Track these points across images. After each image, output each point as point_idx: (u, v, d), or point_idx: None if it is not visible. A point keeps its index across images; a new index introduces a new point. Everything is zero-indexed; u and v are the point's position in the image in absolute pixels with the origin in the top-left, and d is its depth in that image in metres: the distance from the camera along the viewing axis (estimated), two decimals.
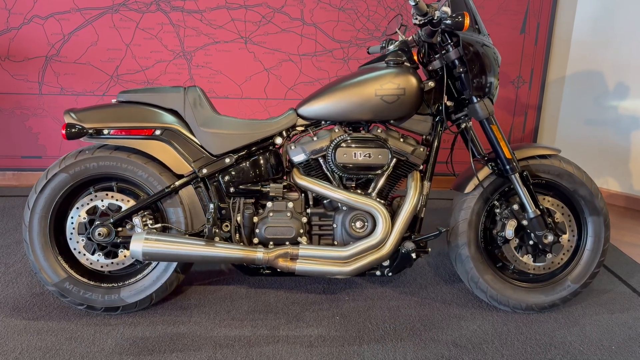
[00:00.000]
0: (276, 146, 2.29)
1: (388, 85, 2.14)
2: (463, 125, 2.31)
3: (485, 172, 2.30)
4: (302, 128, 2.29)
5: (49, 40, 3.76)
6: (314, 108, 2.20)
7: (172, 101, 2.21)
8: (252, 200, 2.26)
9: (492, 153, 2.36)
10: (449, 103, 2.24)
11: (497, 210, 2.34)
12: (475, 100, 2.18)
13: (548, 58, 4.00)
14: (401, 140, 2.23)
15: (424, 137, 2.30)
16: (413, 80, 2.15)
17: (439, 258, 2.95)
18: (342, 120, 2.21)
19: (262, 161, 2.24)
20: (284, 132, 2.27)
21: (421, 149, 2.23)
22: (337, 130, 2.21)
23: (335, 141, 2.15)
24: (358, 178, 2.26)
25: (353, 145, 2.15)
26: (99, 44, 3.79)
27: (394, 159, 2.21)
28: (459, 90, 2.24)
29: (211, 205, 2.14)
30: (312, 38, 3.87)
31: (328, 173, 2.23)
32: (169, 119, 2.20)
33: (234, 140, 2.19)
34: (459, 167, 2.47)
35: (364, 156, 2.15)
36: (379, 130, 2.22)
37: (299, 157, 2.21)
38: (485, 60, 2.14)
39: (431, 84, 2.21)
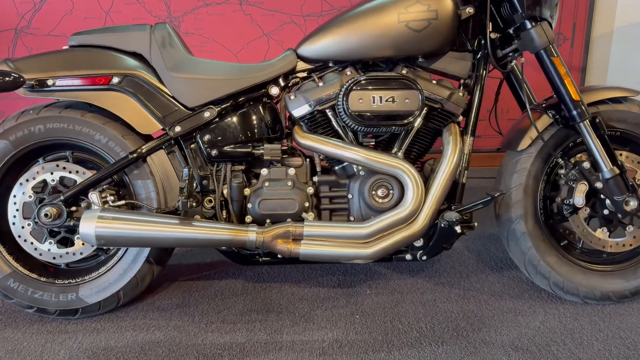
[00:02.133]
0: (272, 99, 1.78)
1: (415, 6, 1.62)
2: (513, 63, 1.78)
3: (544, 121, 1.77)
4: (305, 74, 1.78)
5: (18, 10, 3.30)
6: (318, 46, 1.69)
7: (135, 42, 1.72)
8: (242, 167, 1.75)
9: (550, 99, 1.82)
10: (493, 35, 1.71)
11: (561, 171, 1.80)
12: (529, 25, 1.65)
13: (592, 10, 3.45)
14: (434, 82, 1.71)
15: (462, 81, 1.78)
16: (447, 0, 1.63)
17: (480, 241, 2.42)
18: (356, 59, 1.70)
19: (253, 116, 1.73)
20: (280, 80, 1.76)
21: (460, 94, 1.71)
22: (349, 72, 1.70)
23: (347, 84, 1.63)
24: (378, 134, 1.74)
25: (370, 87, 1.63)
26: (75, 12, 3.34)
27: (425, 107, 1.68)
28: (505, 19, 1.72)
29: (185, 171, 1.63)
30: None
31: (339, 129, 1.71)
32: (131, 63, 1.71)
33: (214, 88, 1.69)
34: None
35: (386, 100, 1.63)
36: (403, 71, 1.70)
37: (300, 110, 1.70)
38: None
39: (469, 10, 1.69)
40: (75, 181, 1.73)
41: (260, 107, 1.74)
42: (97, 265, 1.82)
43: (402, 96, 1.62)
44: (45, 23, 3.32)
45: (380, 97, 1.62)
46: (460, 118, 1.76)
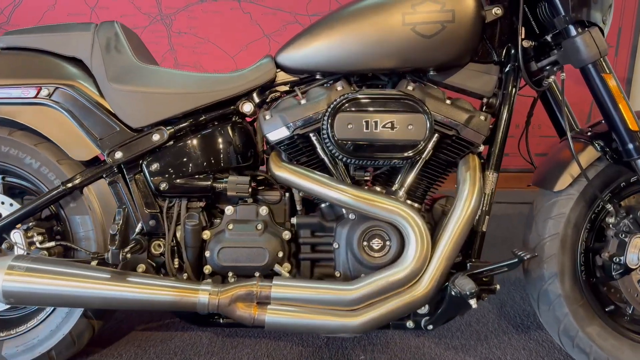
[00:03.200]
0: (245, 117, 1.43)
1: (425, 4, 1.25)
2: (551, 79, 1.39)
3: (590, 154, 1.38)
4: (286, 87, 1.42)
5: None
6: (301, 53, 1.33)
7: (75, 45, 1.39)
8: (202, 204, 1.39)
9: (598, 125, 1.43)
10: (526, 43, 1.33)
11: (610, 220, 1.40)
12: (574, 31, 1.27)
13: None
14: (448, 102, 1.33)
15: (486, 100, 1.40)
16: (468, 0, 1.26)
17: (504, 288, 2.02)
18: (349, 71, 1.34)
19: (217, 139, 1.38)
20: (254, 95, 1.41)
21: (482, 117, 1.33)
22: (340, 88, 1.33)
23: (334, 103, 1.27)
24: (376, 166, 1.37)
25: (363, 109, 1.26)
26: (57, 8, 3.04)
27: (436, 133, 1.31)
28: (543, 22, 1.34)
29: (118, 212, 1.27)
30: None
31: (326, 158, 1.35)
32: (68, 71, 1.37)
33: (166, 105, 1.34)
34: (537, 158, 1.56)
35: (383, 127, 1.25)
36: (409, 87, 1.33)
37: (277, 133, 1.34)
38: None
39: (497, 10, 1.32)
40: (0, 215, 1.41)
41: (228, 128, 1.39)
42: (22, 317, 1.48)
43: (404, 121, 1.25)
44: (26, 19, 3.04)
45: (376, 122, 1.25)
46: (482, 147, 1.38)
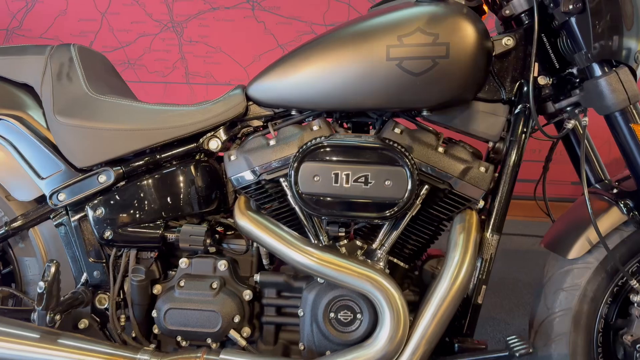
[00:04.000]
0: (213, 155, 1.26)
1: (414, 36, 1.05)
2: (570, 125, 1.17)
3: (613, 217, 1.15)
4: (259, 122, 1.25)
5: (9, 9, 2.96)
6: (275, 86, 1.16)
7: (27, 70, 1.25)
8: (153, 255, 1.23)
9: (627, 180, 1.19)
10: (543, 80, 1.12)
11: (635, 299, 1.16)
12: (598, 71, 1.04)
13: None
14: (440, 150, 1.12)
15: (492, 145, 1.19)
16: (468, 28, 1.06)
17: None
18: (326, 109, 1.15)
19: (175, 180, 1.21)
20: (221, 131, 1.23)
21: (482, 169, 1.12)
22: (316, 128, 1.14)
23: (301, 150, 1.08)
24: (352, 221, 1.18)
25: (334, 159, 1.06)
26: (69, 13, 2.97)
27: (425, 185, 1.10)
28: (564, 55, 1.12)
29: (47, 268, 1.11)
30: (344, 1, 2.81)
31: (297, 208, 1.16)
32: (18, 100, 1.24)
33: (115, 142, 1.18)
34: (555, 208, 1.33)
35: (355, 181, 1.06)
36: (396, 130, 1.13)
37: (242, 177, 1.17)
38: None
39: (508, 41, 1.12)
40: None
41: (189, 168, 1.22)
42: None
43: (381, 175, 1.05)
44: (38, 24, 2.97)
45: (347, 175, 1.05)
46: (481, 203, 1.16)
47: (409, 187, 1.04)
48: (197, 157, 1.25)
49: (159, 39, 2.94)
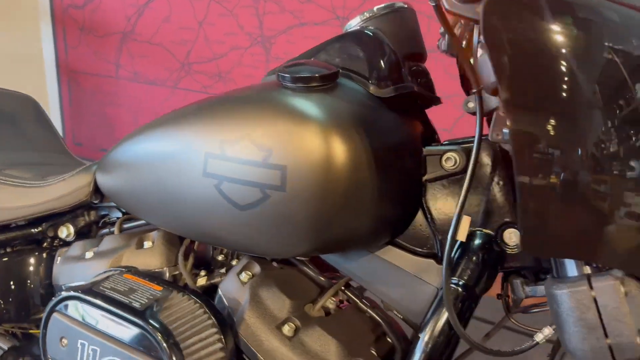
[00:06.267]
0: (65, 244, 0.99)
1: (240, 146, 0.63)
2: None
3: None
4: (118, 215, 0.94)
5: (126, 13, 3.04)
6: (107, 179, 0.83)
7: None
8: None
9: None
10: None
11: None
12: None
13: None
14: (286, 328, 0.68)
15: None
16: (333, 146, 0.60)
17: None
18: (162, 227, 0.80)
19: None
20: (81, 216, 0.95)
21: None
22: (148, 245, 0.79)
23: (54, 300, 0.76)
24: None
25: (86, 321, 0.71)
26: (172, 20, 2.93)
27: None
28: None
29: None
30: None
31: None
32: None
33: None
34: None
35: None
36: (242, 275, 0.72)
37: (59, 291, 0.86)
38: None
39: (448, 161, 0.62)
40: None
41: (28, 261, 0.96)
42: None
43: None
44: (146, 29, 3.00)
45: (94, 352, 0.68)
46: None
47: None
48: (44, 245, 0.98)
49: (248, 53, 2.75)
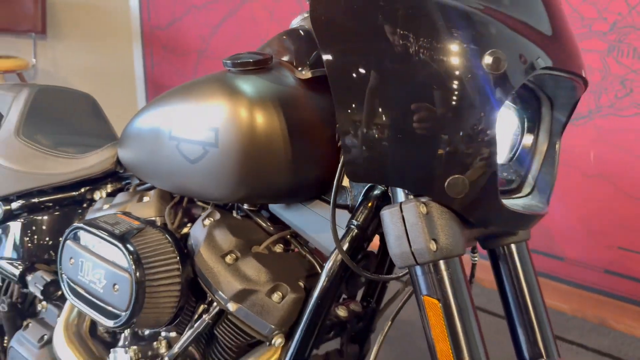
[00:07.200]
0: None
1: (192, 114, 0.86)
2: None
3: None
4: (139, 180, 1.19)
5: (201, 32, 3.41)
6: (121, 151, 1.09)
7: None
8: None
9: None
10: None
11: None
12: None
13: None
14: (228, 258, 0.89)
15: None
16: (256, 113, 0.80)
17: None
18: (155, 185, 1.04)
19: (44, 228, 1.24)
20: (110, 183, 1.21)
21: (275, 297, 0.85)
22: (146, 199, 1.03)
23: (70, 228, 1.00)
24: None
25: (83, 244, 0.94)
26: (241, 39, 3.24)
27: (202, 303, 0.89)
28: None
29: None
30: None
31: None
32: None
33: (5, 181, 1.26)
34: None
35: (94, 277, 0.91)
36: (206, 221, 0.94)
37: None
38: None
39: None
40: None
41: (57, 217, 1.23)
42: None
43: (111, 277, 0.87)
44: (219, 47, 3.33)
45: (88, 267, 0.91)
46: (278, 339, 0.87)
47: (131, 300, 0.84)
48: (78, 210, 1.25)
49: None
